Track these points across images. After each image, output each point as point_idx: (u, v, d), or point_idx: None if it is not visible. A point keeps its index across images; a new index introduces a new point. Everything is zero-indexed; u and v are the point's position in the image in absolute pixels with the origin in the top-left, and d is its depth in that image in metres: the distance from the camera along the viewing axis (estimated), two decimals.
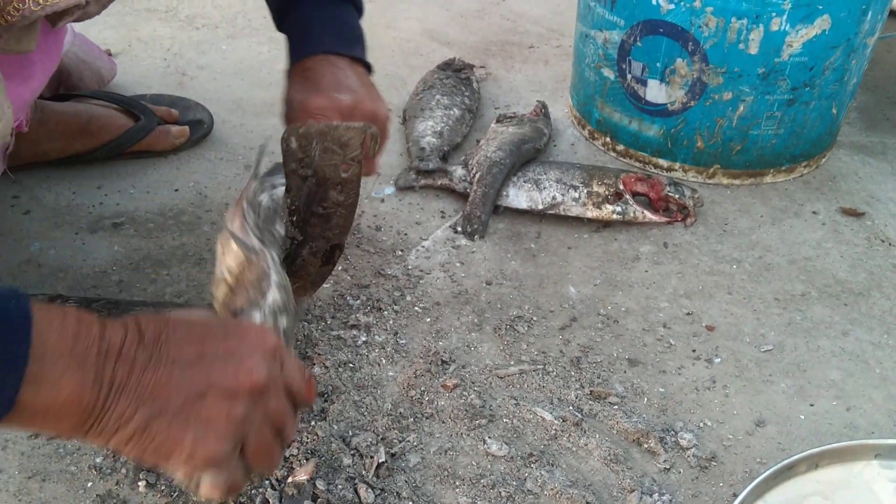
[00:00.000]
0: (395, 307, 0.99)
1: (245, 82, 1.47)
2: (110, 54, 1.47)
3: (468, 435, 0.83)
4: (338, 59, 0.89)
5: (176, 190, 1.17)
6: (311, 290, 0.85)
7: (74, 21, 0.93)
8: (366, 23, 1.70)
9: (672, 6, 1.10)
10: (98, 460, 0.78)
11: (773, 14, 1.07)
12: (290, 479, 0.75)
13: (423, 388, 0.88)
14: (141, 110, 1.22)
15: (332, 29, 0.91)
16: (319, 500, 0.74)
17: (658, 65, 1.16)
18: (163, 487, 0.76)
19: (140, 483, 0.76)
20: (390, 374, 0.90)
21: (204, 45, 1.59)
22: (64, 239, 1.06)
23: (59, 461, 0.78)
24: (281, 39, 1.61)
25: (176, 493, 0.75)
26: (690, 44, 1.12)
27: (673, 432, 0.84)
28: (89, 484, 0.76)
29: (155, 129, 1.21)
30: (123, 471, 0.77)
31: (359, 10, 0.98)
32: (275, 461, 0.60)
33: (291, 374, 0.60)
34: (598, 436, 0.83)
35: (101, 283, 0.99)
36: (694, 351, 0.95)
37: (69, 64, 1.28)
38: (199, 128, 1.27)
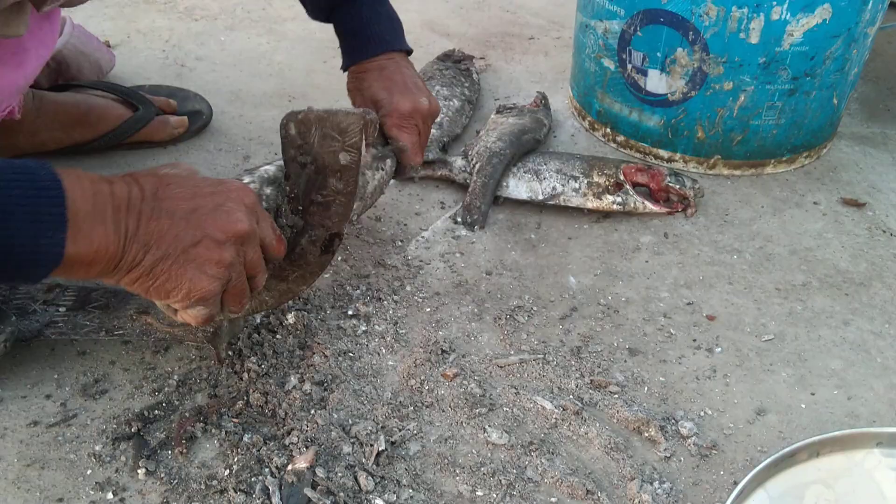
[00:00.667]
0: (395, 297, 0.98)
1: (244, 73, 1.47)
2: (109, 45, 1.47)
3: (468, 424, 0.83)
4: (401, 57, 1.03)
5: None
6: (310, 280, 0.85)
7: (63, 6, 0.92)
8: None
9: None
10: (97, 448, 0.78)
11: (774, 3, 1.07)
12: (289, 467, 0.75)
13: (423, 378, 0.88)
14: (139, 101, 1.21)
15: (390, 26, 1.05)
16: (319, 487, 0.74)
17: (658, 54, 1.16)
18: (162, 475, 0.75)
19: (140, 470, 0.75)
20: (390, 363, 0.90)
21: (203, 36, 1.58)
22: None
23: (57, 449, 0.78)
24: (280, 32, 1.61)
25: (175, 481, 0.75)
26: (691, 33, 1.11)
27: (673, 421, 0.84)
28: (88, 471, 0.76)
29: (154, 119, 1.21)
30: (123, 458, 0.77)
31: None
32: (244, 303, 0.71)
33: (265, 230, 0.70)
34: (598, 424, 0.83)
35: None
36: (695, 340, 0.94)
37: (68, 55, 1.28)
38: (198, 118, 1.27)
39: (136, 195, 0.62)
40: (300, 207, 0.78)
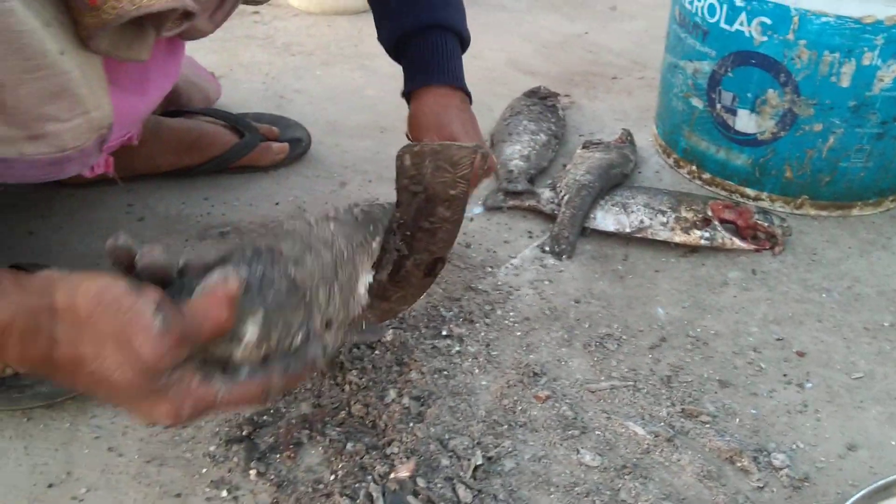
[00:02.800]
0: (487, 320, 1.02)
1: (339, 106, 1.54)
2: (214, 77, 1.55)
3: (561, 444, 0.85)
4: (458, 94, 1.05)
5: (276, 203, 1.23)
6: (411, 301, 0.89)
7: (186, 38, 0.99)
8: None
9: (765, 38, 1.12)
10: (211, 449, 0.82)
11: (866, 49, 1.08)
12: (392, 476, 0.79)
13: (515, 398, 0.90)
14: (245, 127, 1.28)
15: (457, 63, 1.07)
16: (420, 496, 0.77)
17: (749, 95, 1.18)
18: (272, 477, 0.80)
19: (251, 471, 0.80)
20: (483, 382, 0.93)
21: (300, 70, 1.66)
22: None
23: (175, 448, 0.83)
24: (371, 67, 1.68)
25: (285, 483, 0.79)
26: (782, 75, 1.13)
27: (766, 452, 0.85)
28: (204, 470, 0.80)
29: (258, 145, 1.28)
30: (235, 459, 0.81)
31: (462, 43, 1.09)
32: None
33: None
34: (690, 452, 0.84)
35: None
36: (785, 375, 0.95)
37: (180, 84, 1.36)
38: (298, 146, 1.34)
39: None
40: (408, 233, 0.83)
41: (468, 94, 1.08)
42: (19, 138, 0.66)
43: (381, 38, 1.10)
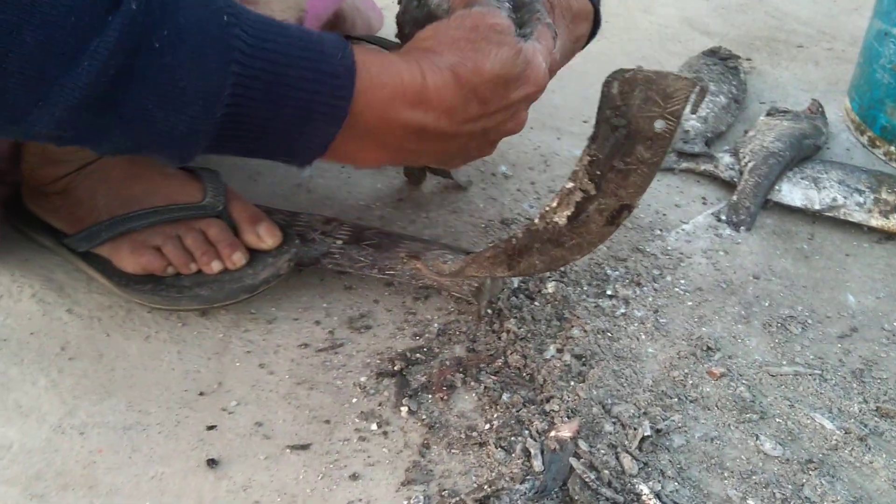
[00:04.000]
0: (655, 285, 0.94)
1: None
2: (377, 6, 1.51)
3: (737, 427, 0.77)
4: None
5: None
6: (586, 250, 0.82)
7: None
8: (622, 6, 1.67)
9: None
10: (362, 379, 0.79)
11: None
12: (552, 434, 0.73)
13: (686, 371, 0.83)
14: None
15: None
16: (582, 459, 0.71)
17: None
18: (423, 417, 0.75)
19: (402, 408, 0.76)
20: (650, 350, 0.85)
21: None
22: (332, 170, 1.09)
23: (325, 373, 0.79)
24: None
25: (437, 425, 0.75)
26: None
27: None
28: (354, 400, 0.77)
29: None
30: (386, 394, 0.77)
31: None
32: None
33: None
34: (885, 455, 0.75)
35: (365, 216, 1.01)
36: None
37: (346, 10, 1.32)
38: None
39: (442, 116, 0.62)
40: (598, 172, 0.75)
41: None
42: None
43: None
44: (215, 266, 0.81)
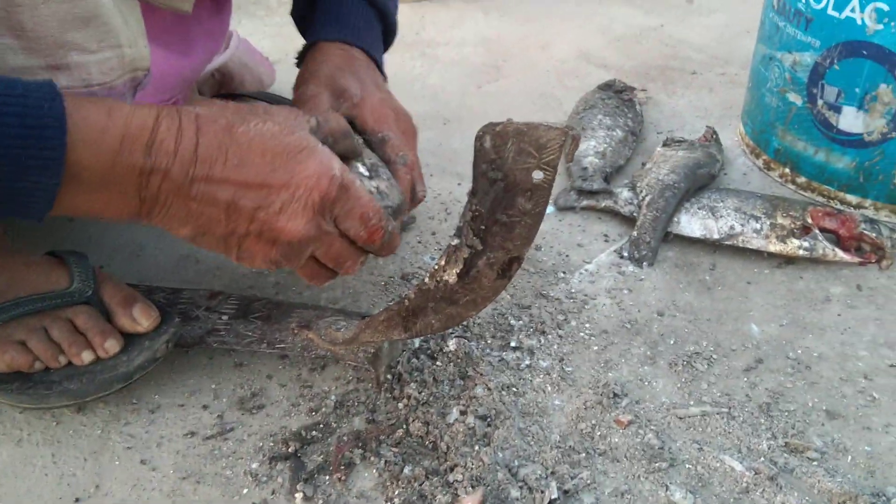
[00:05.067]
0: (560, 331, 0.92)
1: (399, 95, 1.42)
2: (269, 61, 1.48)
3: (646, 478, 0.75)
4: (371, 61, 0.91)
5: None
6: (481, 305, 0.79)
7: None
8: (520, 45, 1.67)
9: (880, 27, 1.00)
10: (254, 466, 0.74)
11: None
12: None
13: (593, 422, 0.80)
14: None
15: (375, 34, 0.94)
16: None
17: (857, 90, 1.06)
18: (320, 501, 0.71)
19: (297, 495, 0.71)
20: (556, 402, 0.83)
21: None
22: None
23: (214, 463, 0.74)
24: (433, 55, 1.60)
25: None
26: None
27: (885, 498, 0.73)
28: (245, 490, 0.72)
29: None
30: (279, 480, 0.73)
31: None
32: (323, 282, 0.69)
33: (349, 223, 0.65)
34: (797, 494, 0.73)
35: (258, 284, 0.97)
36: None
37: (233, 67, 1.29)
38: None
39: (180, 160, 0.55)
40: (483, 227, 0.73)
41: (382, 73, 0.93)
42: (39, 68, 0.58)
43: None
44: (86, 357, 0.75)
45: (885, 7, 0.99)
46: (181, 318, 0.82)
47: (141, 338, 0.78)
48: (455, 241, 0.73)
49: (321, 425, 0.78)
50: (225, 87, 1.28)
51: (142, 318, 0.78)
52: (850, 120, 1.08)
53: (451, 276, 0.74)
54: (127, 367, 0.76)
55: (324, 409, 0.80)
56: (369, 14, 0.92)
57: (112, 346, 0.76)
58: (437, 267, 0.74)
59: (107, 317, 0.78)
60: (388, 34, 0.96)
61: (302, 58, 0.90)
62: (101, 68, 0.59)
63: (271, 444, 0.76)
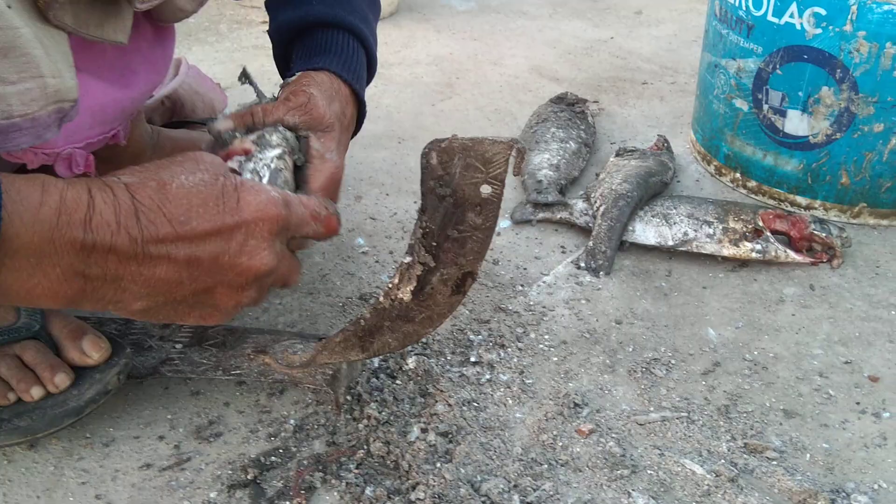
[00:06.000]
0: (519, 344, 0.92)
1: None
2: (220, 88, 1.47)
3: (609, 486, 0.75)
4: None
5: None
6: (437, 322, 0.79)
7: (168, 19, 0.87)
8: (472, 61, 1.69)
9: (819, 31, 1.03)
10: (212, 496, 0.72)
11: None
12: None
13: (555, 433, 0.80)
14: None
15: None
16: None
17: (800, 94, 1.08)
18: None
19: None
20: (518, 415, 0.82)
21: None
22: None
23: (170, 495, 0.73)
24: (387, 76, 1.61)
25: None
26: (838, 71, 1.03)
27: (844, 494, 0.74)
28: None
29: None
30: None
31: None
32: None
33: (306, 229, 0.64)
34: (757, 494, 0.73)
35: None
36: (858, 404, 0.84)
37: (183, 95, 1.28)
38: None
39: (123, 234, 0.53)
40: (434, 243, 0.73)
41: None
42: None
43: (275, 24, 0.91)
44: (35, 392, 0.74)
45: (823, 11, 1.02)
46: (134, 349, 0.81)
47: (92, 371, 0.76)
48: (407, 259, 0.73)
49: (281, 450, 0.77)
50: (176, 115, 1.27)
51: (91, 351, 0.76)
52: (796, 123, 1.10)
53: (405, 294, 0.74)
54: (77, 402, 0.74)
55: (283, 434, 0.79)
56: (360, 52, 0.91)
57: (62, 380, 0.74)
58: (391, 285, 0.73)
59: (56, 351, 0.76)
60: (371, 71, 0.95)
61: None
62: (21, 99, 0.57)
63: (230, 471, 0.75)
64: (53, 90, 0.59)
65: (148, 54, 0.83)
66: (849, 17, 1.00)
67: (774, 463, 0.77)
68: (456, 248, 0.73)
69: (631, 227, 1.08)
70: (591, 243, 1.06)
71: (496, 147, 0.68)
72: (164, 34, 0.90)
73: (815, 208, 1.15)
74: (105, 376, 0.76)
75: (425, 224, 0.72)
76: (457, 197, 0.71)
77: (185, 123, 1.22)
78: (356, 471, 0.75)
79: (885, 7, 0.97)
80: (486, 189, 0.70)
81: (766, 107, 1.13)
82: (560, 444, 0.79)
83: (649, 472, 0.76)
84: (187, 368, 0.81)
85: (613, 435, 0.80)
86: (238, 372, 0.81)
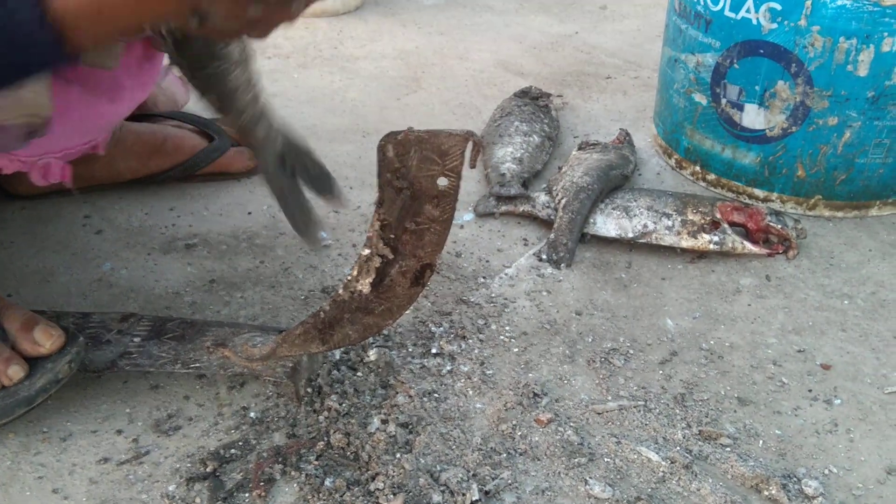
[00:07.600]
0: (480, 336, 0.92)
1: (317, 110, 1.45)
2: (184, 81, 1.46)
3: (567, 474, 0.76)
4: None
5: (249, 213, 1.14)
6: (397, 314, 0.79)
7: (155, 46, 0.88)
8: (438, 56, 1.70)
9: (774, 25, 1.04)
10: (171, 489, 0.72)
11: (885, 34, 1.00)
12: None
13: (514, 423, 0.81)
14: (215, 131, 1.19)
15: None
16: None
17: (757, 88, 1.10)
18: None
19: None
20: (478, 405, 0.83)
21: (276, 73, 1.57)
22: (136, 259, 1.02)
23: (129, 488, 0.73)
24: (352, 69, 1.60)
25: None
26: (794, 65, 1.05)
27: (795, 479, 0.76)
28: None
29: (229, 150, 1.18)
30: (197, 500, 0.71)
31: None
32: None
33: None
34: (711, 480, 0.75)
35: (174, 304, 0.95)
36: (810, 391, 0.86)
37: None
38: None
39: None
40: (392, 236, 0.74)
41: None
42: None
43: None
44: None
45: (778, 6, 1.03)
46: (92, 343, 0.80)
47: (44, 361, 0.76)
48: (366, 251, 0.73)
49: (240, 443, 0.77)
50: (139, 108, 1.25)
51: (43, 340, 0.75)
52: (753, 117, 1.12)
53: (364, 287, 0.74)
54: (28, 391, 0.74)
55: (243, 427, 0.79)
56: None
57: (15, 372, 0.74)
58: (350, 278, 0.74)
59: (11, 345, 0.76)
60: None
61: None
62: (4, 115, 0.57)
63: (189, 465, 0.75)
64: (28, 102, 0.59)
65: (136, 72, 0.84)
66: (803, 12, 1.01)
67: (728, 449, 0.79)
68: (414, 240, 0.74)
69: (592, 220, 1.09)
70: (552, 236, 1.07)
71: (452, 140, 0.69)
72: (153, 52, 0.91)
73: (773, 201, 1.17)
74: (56, 365, 0.75)
75: (383, 216, 0.73)
76: (414, 189, 0.71)
77: (148, 117, 1.21)
78: (316, 462, 0.75)
79: (839, 2, 0.99)
80: (442, 181, 0.71)
81: (724, 101, 1.14)
82: (519, 433, 0.80)
83: (606, 459, 0.77)
84: (146, 362, 0.80)
85: (572, 424, 0.81)
86: (197, 365, 0.80)
